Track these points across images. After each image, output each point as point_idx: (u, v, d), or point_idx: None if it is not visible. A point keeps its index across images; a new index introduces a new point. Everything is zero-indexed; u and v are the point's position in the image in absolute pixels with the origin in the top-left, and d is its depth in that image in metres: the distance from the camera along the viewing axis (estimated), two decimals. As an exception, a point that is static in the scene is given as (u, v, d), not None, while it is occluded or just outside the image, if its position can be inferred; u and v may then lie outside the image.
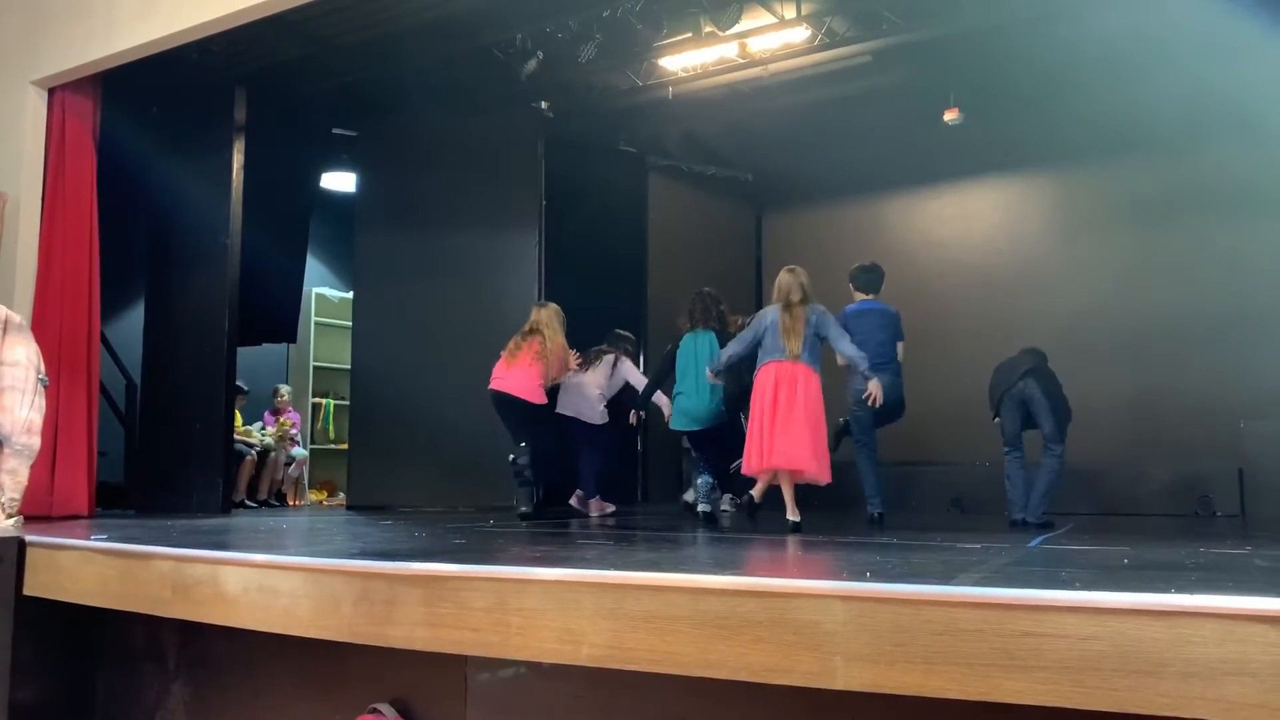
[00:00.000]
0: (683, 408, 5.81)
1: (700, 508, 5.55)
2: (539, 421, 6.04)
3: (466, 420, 7.03)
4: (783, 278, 5.12)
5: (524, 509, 5.77)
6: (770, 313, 5.07)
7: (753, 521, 4.99)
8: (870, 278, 5.81)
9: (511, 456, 5.87)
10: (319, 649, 3.07)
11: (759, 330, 5.05)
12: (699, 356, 5.77)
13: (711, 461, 5.89)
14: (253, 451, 8.12)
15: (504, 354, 6.05)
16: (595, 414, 6.40)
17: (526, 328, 6.10)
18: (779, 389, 4.82)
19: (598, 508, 6.35)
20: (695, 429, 5.82)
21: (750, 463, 4.89)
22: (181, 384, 6.86)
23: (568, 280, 7.39)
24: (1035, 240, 7.66)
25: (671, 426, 5.93)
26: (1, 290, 6.02)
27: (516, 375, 5.95)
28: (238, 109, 6.86)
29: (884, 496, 5.49)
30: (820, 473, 4.83)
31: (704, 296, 6.05)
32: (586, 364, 6.43)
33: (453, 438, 7.12)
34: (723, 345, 5.62)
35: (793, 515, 4.81)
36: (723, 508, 6.48)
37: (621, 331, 6.71)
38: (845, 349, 5.01)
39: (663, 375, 6.15)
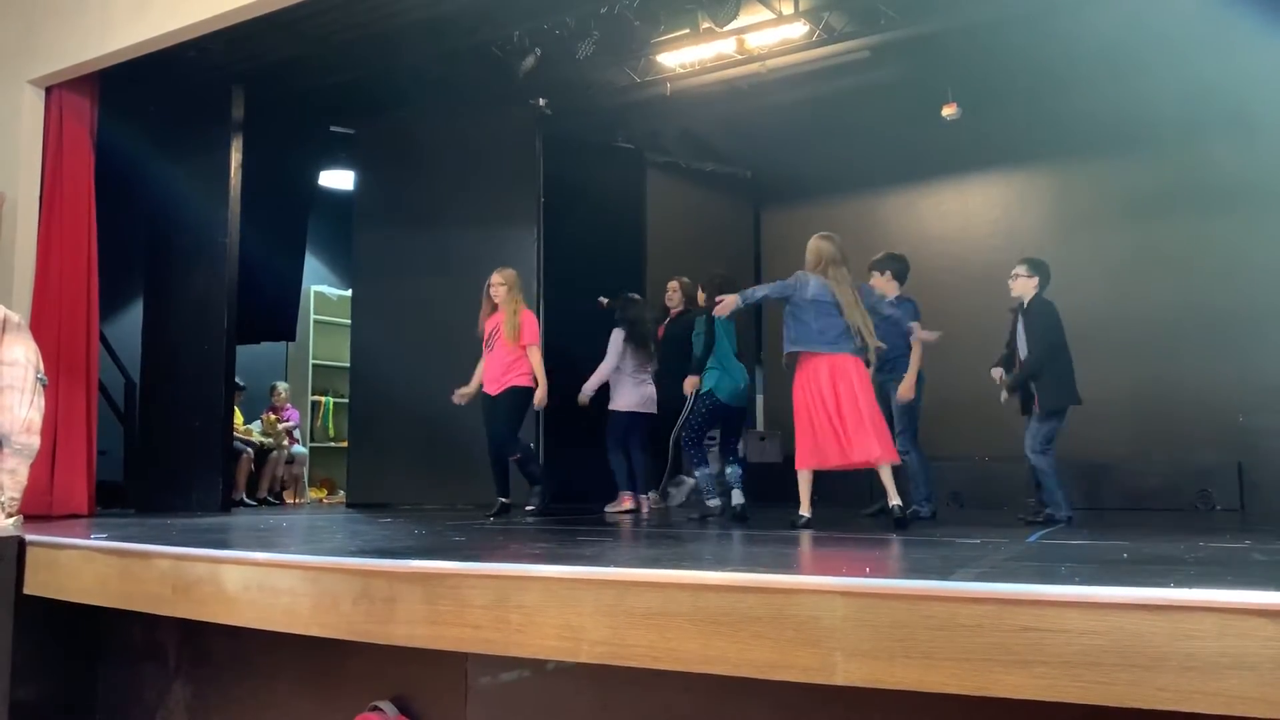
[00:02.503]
0: (735, 385, 5.74)
1: (712, 503, 5.52)
2: None
3: (466, 417, 7.02)
4: (822, 246, 4.85)
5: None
6: (814, 284, 4.76)
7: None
8: (902, 268, 5.74)
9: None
10: (319, 647, 3.07)
11: (796, 292, 4.78)
12: (729, 336, 5.79)
13: (729, 446, 5.87)
14: (248, 450, 8.11)
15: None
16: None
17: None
18: (837, 383, 4.64)
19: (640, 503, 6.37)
20: (737, 405, 5.78)
21: (827, 457, 4.67)
22: (180, 383, 6.85)
23: (566, 277, 7.39)
24: (1034, 235, 7.64)
25: (726, 400, 5.72)
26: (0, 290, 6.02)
27: None
28: (235, 107, 6.85)
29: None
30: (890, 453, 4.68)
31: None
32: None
33: (452, 435, 7.12)
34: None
35: (806, 511, 4.67)
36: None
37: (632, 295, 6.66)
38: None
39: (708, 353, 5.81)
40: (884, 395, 5.41)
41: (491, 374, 5.94)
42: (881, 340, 4.98)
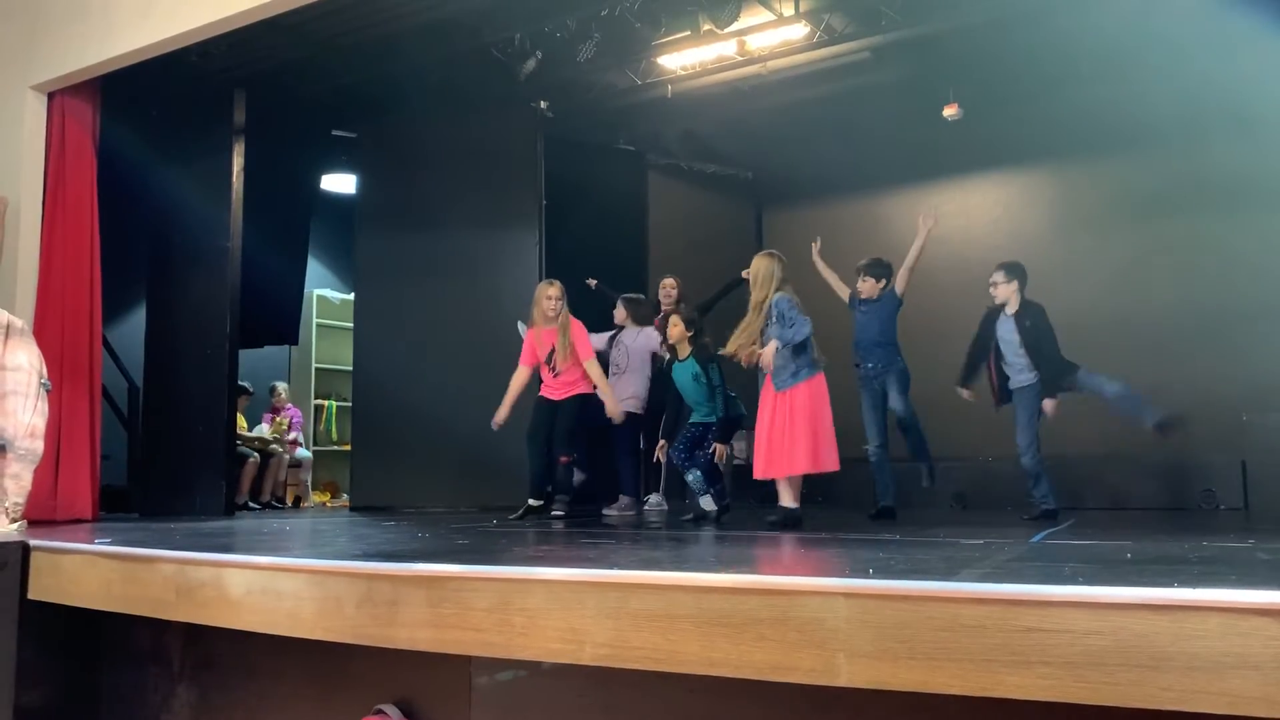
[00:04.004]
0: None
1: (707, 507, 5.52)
2: None
3: (468, 420, 7.02)
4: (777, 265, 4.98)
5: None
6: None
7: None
8: (889, 274, 5.72)
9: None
10: (323, 650, 3.08)
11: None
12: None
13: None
14: (254, 455, 8.12)
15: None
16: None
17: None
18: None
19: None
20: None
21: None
22: (183, 386, 6.87)
23: (568, 279, 7.34)
24: (1035, 235, 7.64)
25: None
26: (2, 295, 6.02)
27: None
28: (237, 111, 6.87)
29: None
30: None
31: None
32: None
33: (455, 438, 7.12)
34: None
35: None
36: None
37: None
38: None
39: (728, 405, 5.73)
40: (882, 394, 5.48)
41: (557, 385, 5.87)
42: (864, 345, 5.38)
